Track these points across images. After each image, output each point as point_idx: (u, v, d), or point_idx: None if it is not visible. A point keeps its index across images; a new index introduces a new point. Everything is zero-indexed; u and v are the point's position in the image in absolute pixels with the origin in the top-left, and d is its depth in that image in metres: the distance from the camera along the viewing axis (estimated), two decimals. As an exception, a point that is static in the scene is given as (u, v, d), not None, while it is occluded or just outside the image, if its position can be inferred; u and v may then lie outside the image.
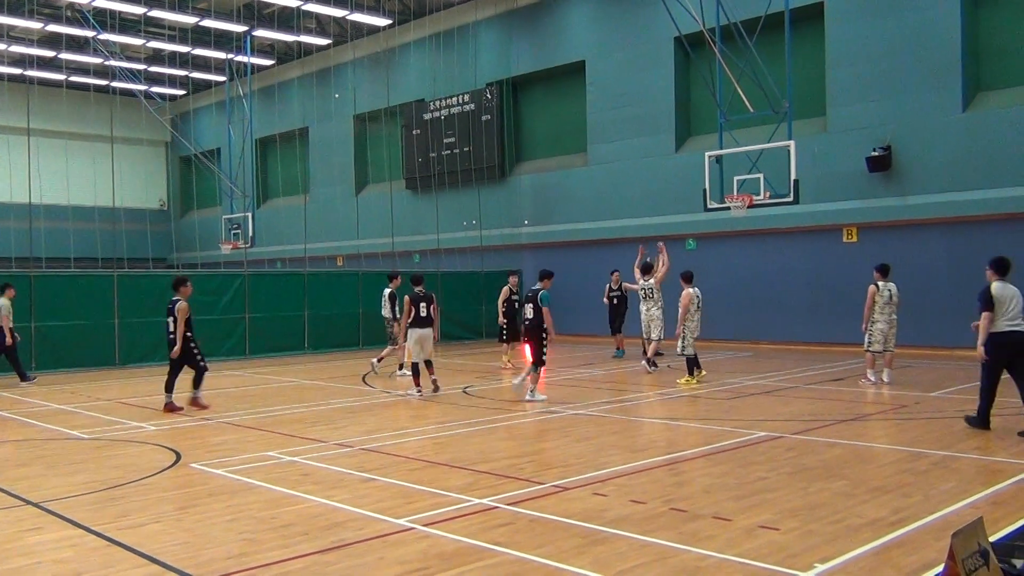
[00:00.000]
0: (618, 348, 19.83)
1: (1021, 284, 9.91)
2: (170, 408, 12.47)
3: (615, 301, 19.87)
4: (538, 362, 13.10)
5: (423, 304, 13.86)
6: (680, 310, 14.97)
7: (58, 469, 8.73)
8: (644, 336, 17.29)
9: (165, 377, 12.71)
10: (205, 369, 12.86)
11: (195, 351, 12.62)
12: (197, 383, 12.75)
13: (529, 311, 13.31)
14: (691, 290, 14.96)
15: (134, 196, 37.20)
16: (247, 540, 6.05)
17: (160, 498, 7.39)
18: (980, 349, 9.87)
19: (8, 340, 16.15)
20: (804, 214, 20.66)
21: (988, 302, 9.81)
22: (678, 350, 14.97)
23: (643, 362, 16.70)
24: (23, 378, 16.64)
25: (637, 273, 17.70)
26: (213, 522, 6.56)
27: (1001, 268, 10.05)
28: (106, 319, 19.60)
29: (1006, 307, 9.77)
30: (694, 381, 14.57)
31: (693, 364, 14.80)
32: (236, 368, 19.44)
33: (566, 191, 26.60)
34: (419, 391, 13.83)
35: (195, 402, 12.74)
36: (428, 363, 14.04)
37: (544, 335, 13.06)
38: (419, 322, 13.81)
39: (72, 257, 27.79)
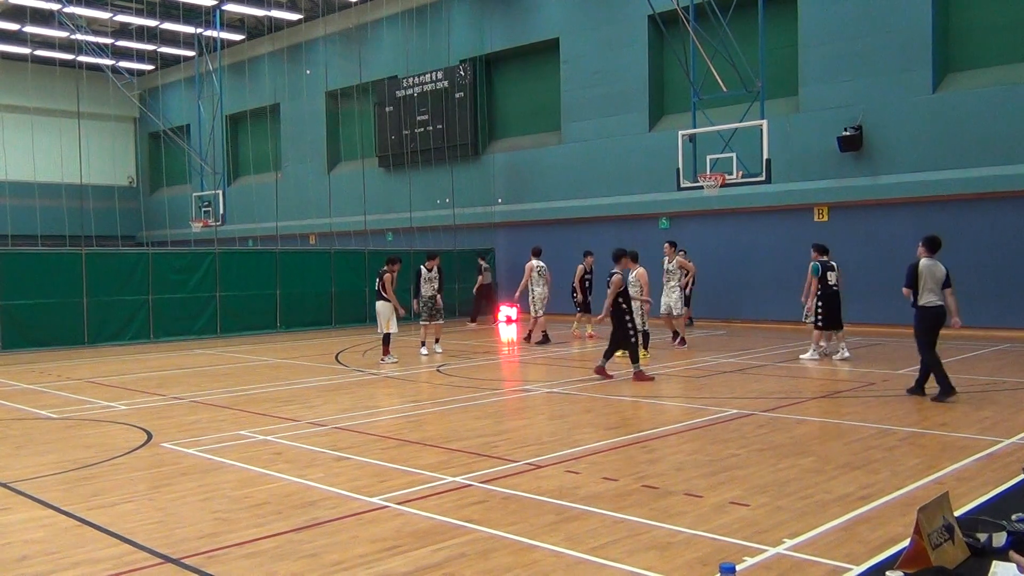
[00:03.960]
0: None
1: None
2: (600, 371, 13.01)
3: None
4: (826, 326, 14.57)
5: (376, 280, 15.74)
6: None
7: (27, 449, 8.65)
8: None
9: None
10: (630, 341, 12.91)
11: (628, 321, 12.86)
12: (609, 354, 13.02)
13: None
14: (532, 263, 17.38)
15: (102, 173, 36.62)
16: (220, 519, 6.04)
17: (132, 478, 7.34)
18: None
19: None
20: (776, 193, 20.80)
21: (910, 278, 10.54)
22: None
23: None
24: None
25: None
26: (186, 501, 6.53)
27: (932, 246, 10.69)
28: (74, 298, 19.34)
29: (928, 283, 10.47)
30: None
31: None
32: (208, 347, 19.30)
33: (540, 169, 26.57)
34: (383, 359, 15.36)
35: (600, 371, 13.06)
36: (386, 337, 15.49)
37: (820, 302, 14.37)
38: (375, 296, 15.80)
39: (39, 235, 27.39)
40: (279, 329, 22.78)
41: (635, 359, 12.82)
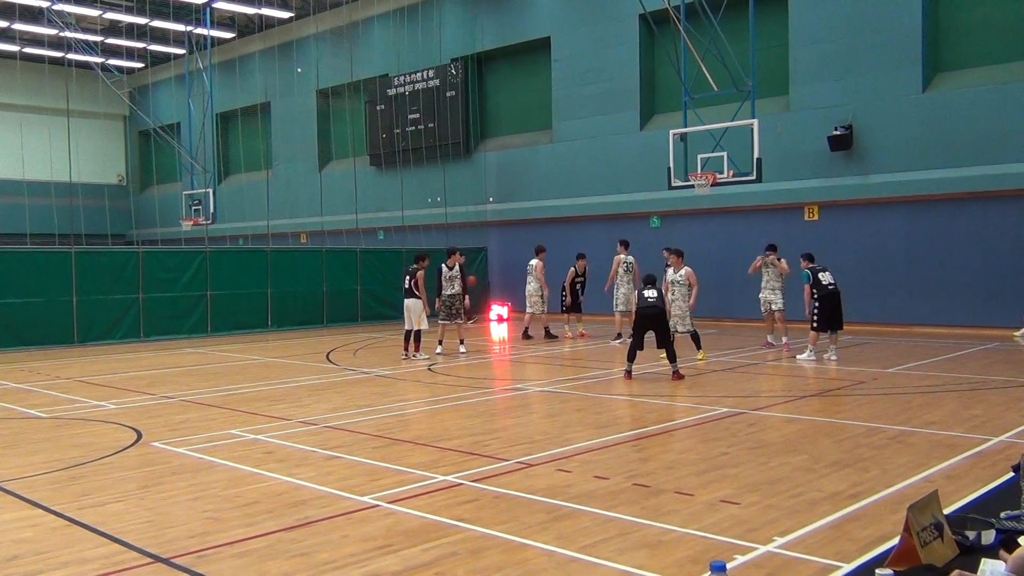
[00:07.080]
0: None
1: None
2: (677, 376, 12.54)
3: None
4: (821, 327, 14.48)
5: (407, 277, 15.80)
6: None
7: (17, 449, 8.61)
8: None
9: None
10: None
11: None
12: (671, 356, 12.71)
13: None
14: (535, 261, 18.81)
15: (92, 171, 36.45)
16: (210, 519, 6.02)
17: (122, 477, 7.32)
18: None
19: None
20: (766, 192, 20.84)
21: None
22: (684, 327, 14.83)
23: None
24: None
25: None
26: (176, 501, 6.52)
27: None
28: (64, 296, 19.24)
29: None
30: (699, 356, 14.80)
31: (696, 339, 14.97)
32: (198, 346, 19.25)
33: (531, 168, 26.56)
34: (403, 355, 15.59)
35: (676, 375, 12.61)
36: (416, 334, 15.59)
37: (816, 303, 14.41)
38: (404, 293, 15.81)
39: (28, 233, 27.26)
40: (270, 328, 22.71)
41: (672, 358, 12.68)
